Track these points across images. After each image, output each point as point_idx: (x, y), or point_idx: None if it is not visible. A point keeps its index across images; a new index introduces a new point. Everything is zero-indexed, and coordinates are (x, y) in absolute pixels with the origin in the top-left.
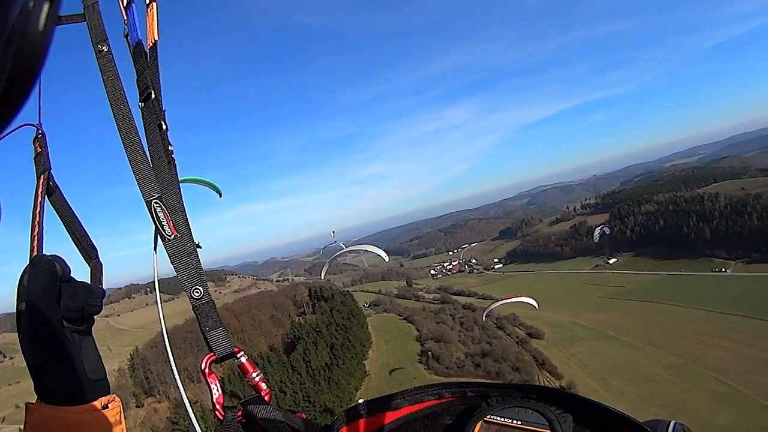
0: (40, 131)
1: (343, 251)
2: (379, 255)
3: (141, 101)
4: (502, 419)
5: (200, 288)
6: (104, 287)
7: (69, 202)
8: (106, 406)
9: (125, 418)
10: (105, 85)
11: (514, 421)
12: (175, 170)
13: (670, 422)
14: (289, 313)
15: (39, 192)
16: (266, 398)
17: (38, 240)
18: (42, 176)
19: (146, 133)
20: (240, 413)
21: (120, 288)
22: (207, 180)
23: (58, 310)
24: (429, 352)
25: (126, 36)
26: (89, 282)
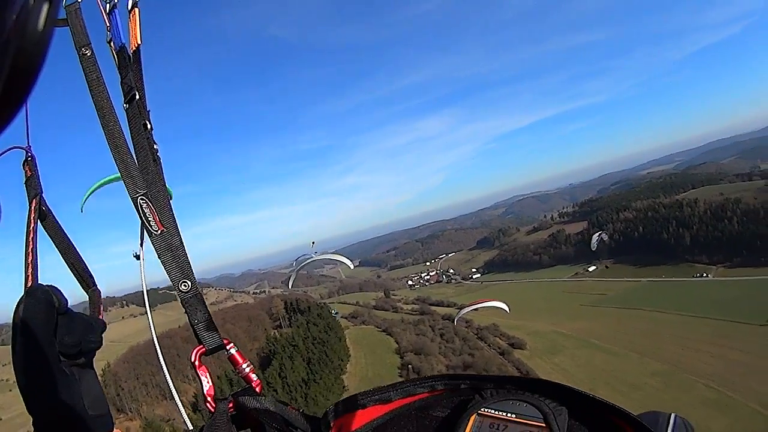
0: (29, 154)
1: (309, 260)
2: (344, 263)
3: (125, 102)
4: (497, 412)
5: (188, 281)
6: (101, 315)
7: (63, 227)
8: None
9: None
10: (89, 88)
11: (509, 414)
12: (161, 168)
13: (671, 415)
14: (265, 327)
15: (31, 217)
16: (257, 389)
17: (32, 268)
18: (34, 200)
19: (131, 133)
20: (231, 405)
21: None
22: (109, 178)
23: (56, 345)
24: (409, 365)
25: (110, 42)
26: (88, 312)
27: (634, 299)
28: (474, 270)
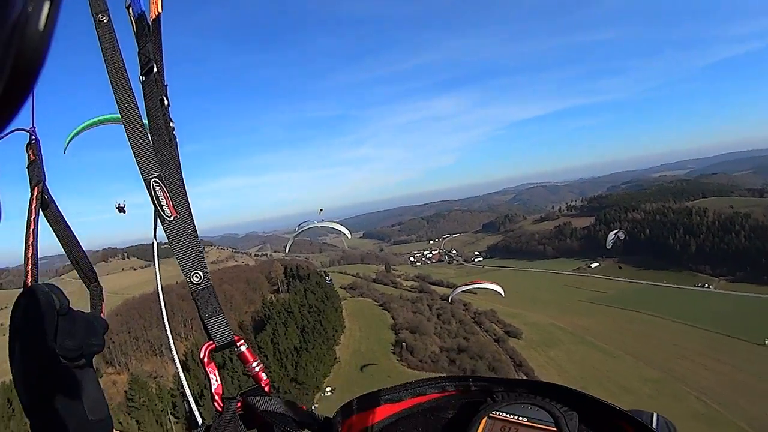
0: (33, 137)
1: (309, 227)
2: (343, 233)
3: (142, 75)
4: (508, 415)
5: (200, 273)
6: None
7: (65, 218)
8: None
9: None
10: (104, 57)
11: (520, 418)
12: (177, 148)
13: (653, 414)
14: (262, 291)
15: (33, 207)
16: (266, 389)
17: (33, 263)
18: (36, 188)
19: (146, 108)
20: (239, 404)
21: (97, 251)
22: (100, 118)
23: (56, 349)
24: (403, 343)
25: (128, 7)
26: (89, 310)
27: (633, 301)
28: (477, 253)
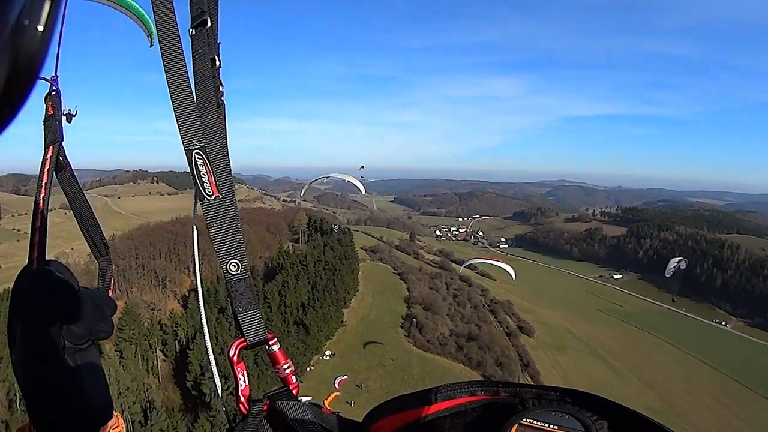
0: (54, 87)
1: (324, 176)
2: (357, 186)
3: (192, 27)
4: (539, 423)
5: (238, 262)
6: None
7: (80, 184)
8: None
9: None
10: (153, 3)
11: (551, 426)
12: (224, 116)
13: None
14: (281, 238)
15: (45, 168)
16: (294, 392)
17: (40, 236)
18: (51, 147)
19: (194, 67)
20: (265, 407)
21: (128, 171)
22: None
23: (61, 334)
24: (414, 319)
25: None
26: (97, 284)
27: (650, 322)
28: (503, 239)
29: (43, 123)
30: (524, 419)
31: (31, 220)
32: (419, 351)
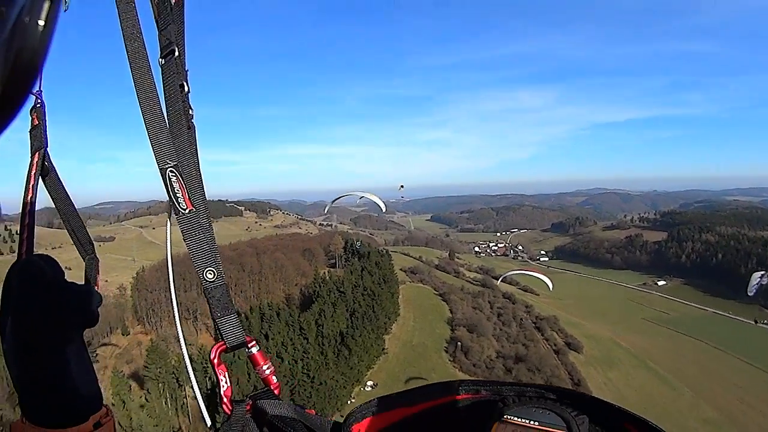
0: (39, 100)
1: (345, 194)
2: (379, 206)
3: (162, 57)
4: (519, 419)
5: (214, 269)
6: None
7: (65, 187)
8: (98, 424)
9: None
10: (123, 35)
11: (531, 422)
12: (195, 137)
13: None
14: (317, 264)
15: (32, 173)
16: (276, 392)
17: (29, 232)
18: (37, 154)
19: (165, 93)
20: (248, 407)
21: (162, 202)
22: None
23: (50, 323)
24: (459, 342)
25: None
26: (84, 282)
27: (697, 328)
28: (543, 252)
29: (29, 133)
30: (505, 416)
31: (20, 220)
32: (465, 376)
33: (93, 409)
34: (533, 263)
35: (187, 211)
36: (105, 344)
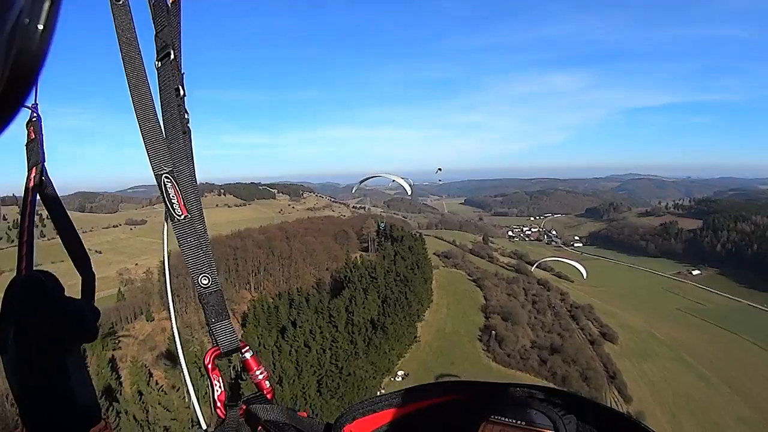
0: (35, 114)
1: (371, 176)
2: (403, 186)
3: (157, 60)
4: (506, 419)
5: (209, 275)
6: (99, 302)
7: (62, 201)
8: None
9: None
10: (119, 39)
11: (518, 422)
12: (190, 142)
13: None
14: (349, 248)
15: (29, 186)
16: (269, 396)
17: (27, 248)
18: (34, 168)
19: (161, 98)
20: (242, 412)
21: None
22: None
23: (51, 337)
24: (493, 331)
25: None
26: (81, 297)
27: (734, 321)
28: (577, 238)
29: (25, 147)
30: (492, 416)
31: (18, 235)
32: (499, 367)
33: (92, 421)
34: (567, 249)
35: (182, 217)
36: (126, 335)
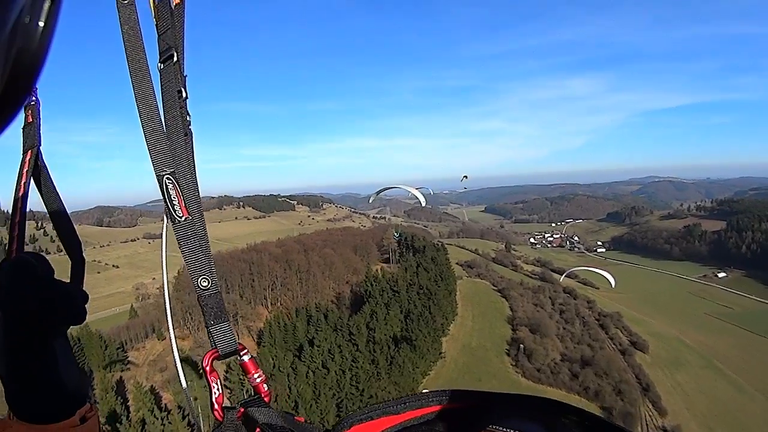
0: (34, 98)
1: (387, 187)
2: (417, 198)
3: (160, 62)
4: (505, 429)
5: (208, 277)
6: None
7: (56, 187)
8: (84, 419)
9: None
10: (123, 39)
11: (514, 431)
12: (192, 144)
13: None
14: (369, 260)
15: (24, 171)
16: (266, 399)
17: (19, 230)
18: (30, 152)
19: (163, 99)
20: (239, 414)
21: (212, 197)
22: None
23: (39, 319)
24: (521, 345)
25: None
26: (69, 281)
27: (763, 324)
28: (599, 243)
29: (22, 130)
30: (490, 426)
31: (10, 217)
32: (528, 383)
33: (79, 403)
34: (591, 255)
35: (183, 218)
36: (135, 356)
